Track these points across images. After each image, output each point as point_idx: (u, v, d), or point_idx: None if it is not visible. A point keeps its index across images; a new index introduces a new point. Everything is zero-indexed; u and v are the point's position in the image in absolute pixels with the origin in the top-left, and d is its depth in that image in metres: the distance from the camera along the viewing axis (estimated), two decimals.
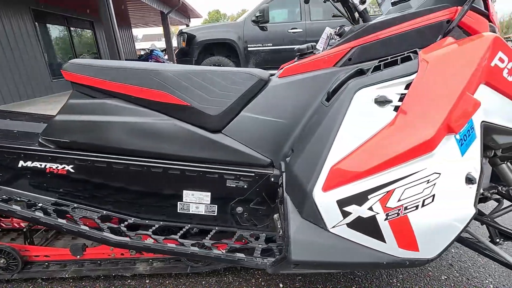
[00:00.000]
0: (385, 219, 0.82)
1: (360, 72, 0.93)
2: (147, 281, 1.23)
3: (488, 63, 0.79)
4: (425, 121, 0.76)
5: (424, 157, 0.78)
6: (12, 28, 6.53)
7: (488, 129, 0.88)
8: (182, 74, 1.01)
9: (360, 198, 0.82)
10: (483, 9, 0.91)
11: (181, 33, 5.96)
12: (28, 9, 7.06)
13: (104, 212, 1.10)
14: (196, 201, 1.09)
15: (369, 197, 0.81)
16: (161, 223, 1.10)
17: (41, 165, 1.06)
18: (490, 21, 0.93)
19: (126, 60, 7.50)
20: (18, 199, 1.07)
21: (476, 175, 0.84)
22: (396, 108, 0.81)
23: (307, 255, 0.85)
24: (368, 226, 0.84)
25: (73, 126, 1.05)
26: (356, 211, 0.83)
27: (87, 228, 1.03)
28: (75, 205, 1.10)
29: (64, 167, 1.05)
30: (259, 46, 5.78)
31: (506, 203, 1.11)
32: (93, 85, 1.04)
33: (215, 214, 1.10)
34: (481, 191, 1.09)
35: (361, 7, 1.01)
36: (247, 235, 1.10)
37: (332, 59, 1.02)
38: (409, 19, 0.94)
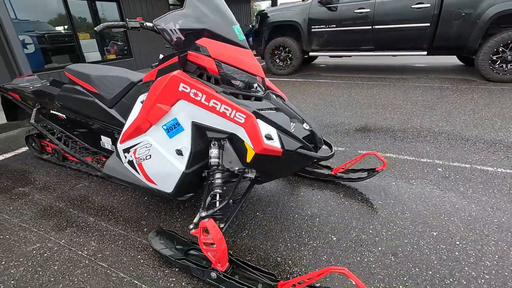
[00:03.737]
0: (137, 163, 1.61)
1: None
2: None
3: (176, 89, 1.39)
4: (141, 117, 1.48)
5: (142, 135, 1.51)
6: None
7: (201, 127, 1.47)
8: (97, 77, 1.99)
9: (127, 150, 1.63)
10: (205, 53, 1.42)
11: (258, 13, 6.61)
12: None
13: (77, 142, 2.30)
14: (106, 142, 2.10)
15: (130, 150, 1.62)
16: (96, 149, 2.20)
17: (56, 113, 2.32)
18: (215, 58, 1.43)
19: None
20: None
21: (184, 151, 1.49)
22: None
23: (110, 172, 1.75)
24: (133, 165, 1.65)
25: (66, 97, 2.22)
26: (127, 156, 1.65)
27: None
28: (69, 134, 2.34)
29: (64, 115, 2.27)
30: (322, 28, 5.81)
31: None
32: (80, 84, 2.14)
33: (115, 151, 2.10)
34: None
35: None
36: None
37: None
38: (177, 55, 1.56)
